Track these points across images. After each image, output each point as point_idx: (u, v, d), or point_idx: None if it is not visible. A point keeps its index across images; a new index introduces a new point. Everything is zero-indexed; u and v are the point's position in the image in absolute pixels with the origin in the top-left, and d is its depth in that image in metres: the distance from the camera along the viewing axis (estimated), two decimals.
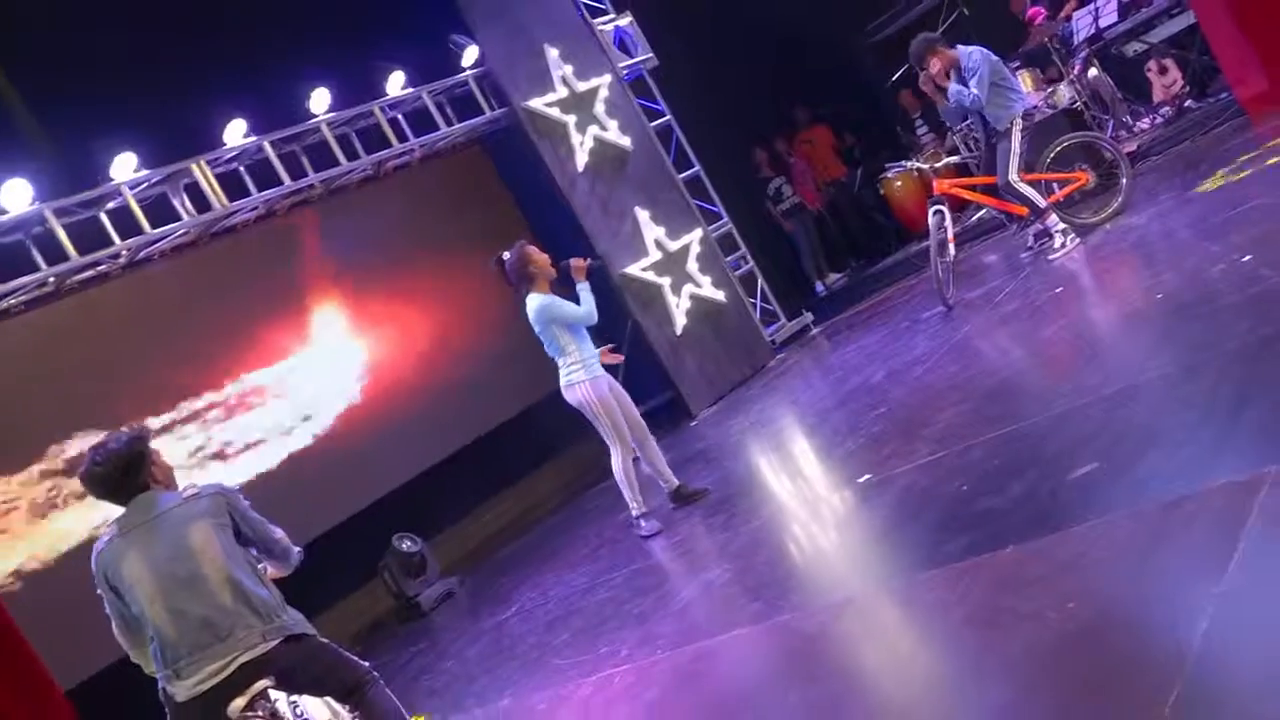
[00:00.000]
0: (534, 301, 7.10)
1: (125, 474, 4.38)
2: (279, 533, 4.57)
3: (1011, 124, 8.46)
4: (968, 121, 9.00)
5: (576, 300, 7.13)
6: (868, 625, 4.21)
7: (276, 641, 4.05)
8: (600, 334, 7.53)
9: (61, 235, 8.52)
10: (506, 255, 7.28)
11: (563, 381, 7.19)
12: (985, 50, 8.63)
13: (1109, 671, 2.88)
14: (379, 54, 10.94)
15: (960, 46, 8.71)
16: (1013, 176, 8.47)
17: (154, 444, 4.66)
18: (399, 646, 8.43)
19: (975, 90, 8.38)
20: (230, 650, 3.96)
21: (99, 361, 8.96)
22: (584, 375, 7.09)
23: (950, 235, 8.78)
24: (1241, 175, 7.32)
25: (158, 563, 4.09)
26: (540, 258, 7.20)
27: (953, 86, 8.50)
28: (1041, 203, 8.49)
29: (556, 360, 7.22)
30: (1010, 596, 3.55)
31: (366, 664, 4.42)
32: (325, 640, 4.36)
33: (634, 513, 7.26)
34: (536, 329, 7.19)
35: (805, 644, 4.28)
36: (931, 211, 8.72)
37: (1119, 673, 2.85)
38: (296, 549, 4.64)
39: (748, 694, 4.11)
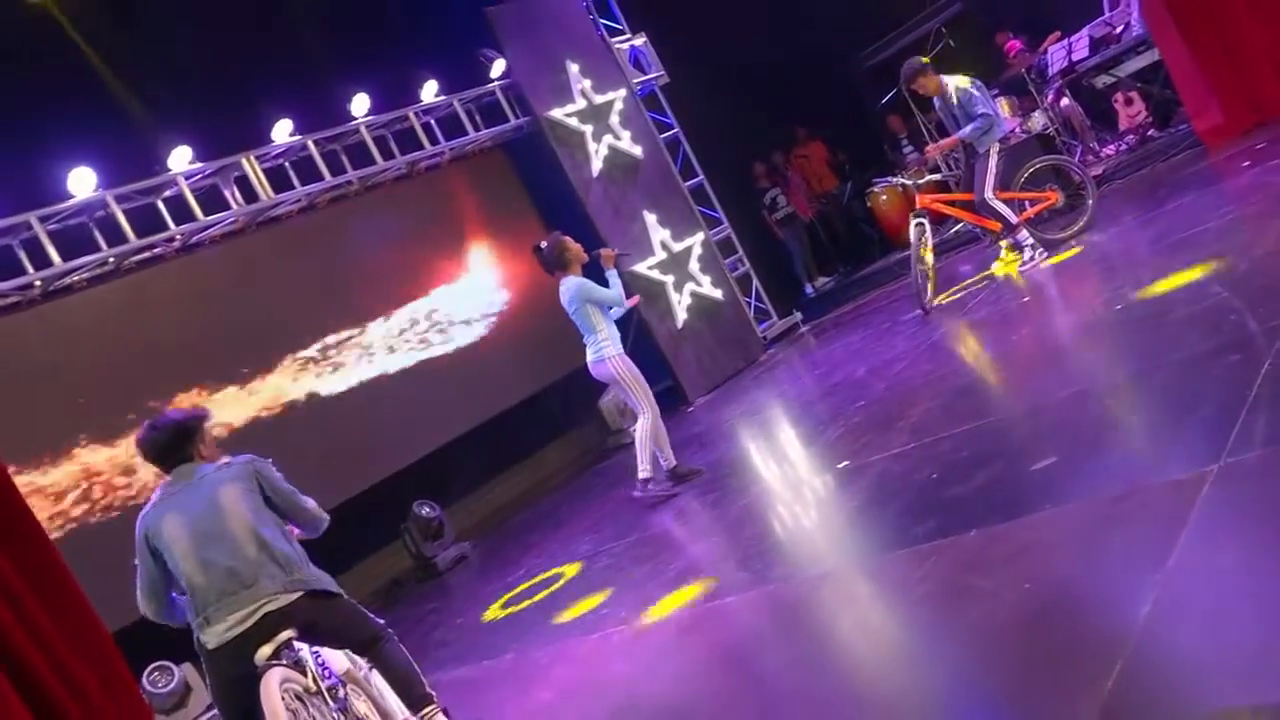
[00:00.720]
0: (570, 283, 7.16)
1: (176, 443, 4.48)
2: (309, 502, 4.64)
3: (991, 147, 8.49)
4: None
5: (605, 285, 7.20)
6: (843, 597, 4.23)
7: (298, 594, 4.11)
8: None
9: (121, 219, 8.57)
10: (544, 244, 7.36)
11: (594, 357, 7.20)
12: (973, 80, 8.66)
13: (1058, 647, 2.89)
14: (415, 64, 10.95)
15: (946, 76, 8.73)
16: (988, 194, 8.49)
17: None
18: (416, 602, 8.47)
19: (986, 111, 8.47)
20: (255, 599, 4.03)
21: (150, 335, 8.97)
22: (614, 350, 7.14)
23: (930, 246, 8.81)
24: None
25: (192, 520, 4.19)
26: (575, 246, 7.28)
27: (968, 128, 8.50)
28: (1013, 219, 8.50)
29: (586, 338, 7.23)
30: (971, 576, 3.57)
31: (382, 621, 4.46)
32: (346, 597, 4.39)
33: (642, 476, 7.17)
34: (571, 308, 7.21)
35: (786, 611, 4.30)
36: (914, 224, 8.72)
37: (1067, 648, 2.86)
38: (325, 517, 4.69)
39: (735, 654, 4.13)
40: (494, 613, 6.81)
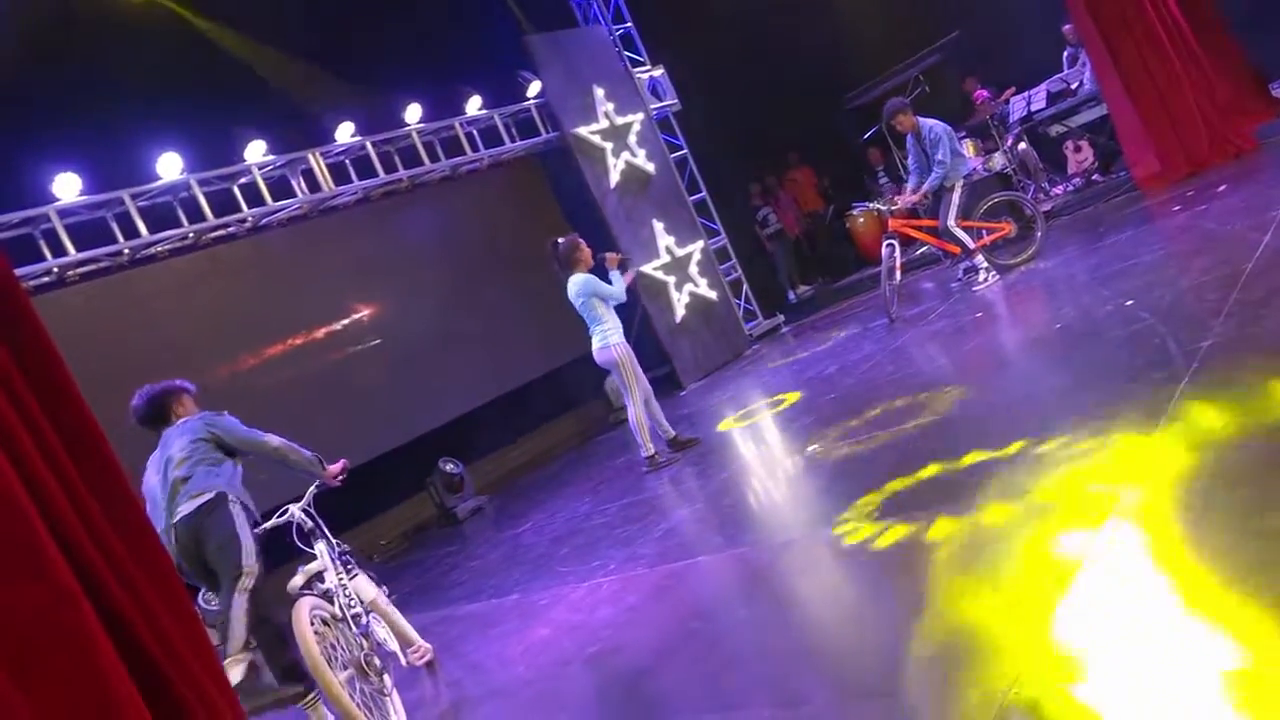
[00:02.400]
0: (578, 279, 7.18)
1: (153, 412, 4.88)
2: (273, 440, 4.79)
3: (956, 183, 8.45)
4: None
5: (610, 282, 7.22)
6: (805, 562, 4.20)
7: (201, 503, 4.41)
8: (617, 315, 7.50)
9: (201, 200, 8.54)
10: (560, 241, 7.38)
11: (598, 344, 7.20)
12: (944, 124, 8.61)
13: (998, 615, 2.86)
14: (462, 81, 10.90)
15: (921, 118, 8.68)
16: (950, 223, 8.47)
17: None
18: (437, 546, 8.45)
19: (944, 158, 8.40)
20: (170, 516, 4.43)
21: (220, 301, 8.96)
22: (618, 338, 7.17)
23: (898, 264, 8.78)
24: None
25: (161, 467, 4.60)
26: (586, 251, 7.35)
27: (929, 180, 8.45)
28: (971, 244, 8.47)
29: (592, 328, 7.23)
30: (922, 551, 3.53)
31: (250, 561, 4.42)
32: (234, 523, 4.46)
33: (644, 453, 7.25)
34: (578, 301, 7.21)
35: (755, 572, 4.27)
36: (885, 244, 8.70)
37: (1005, 616, 2.83)
38: (307, 452, 4.84)
39: (707, 606, 4.10)
40: (503, 557, 6.79)
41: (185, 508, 4.42)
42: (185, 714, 2.40)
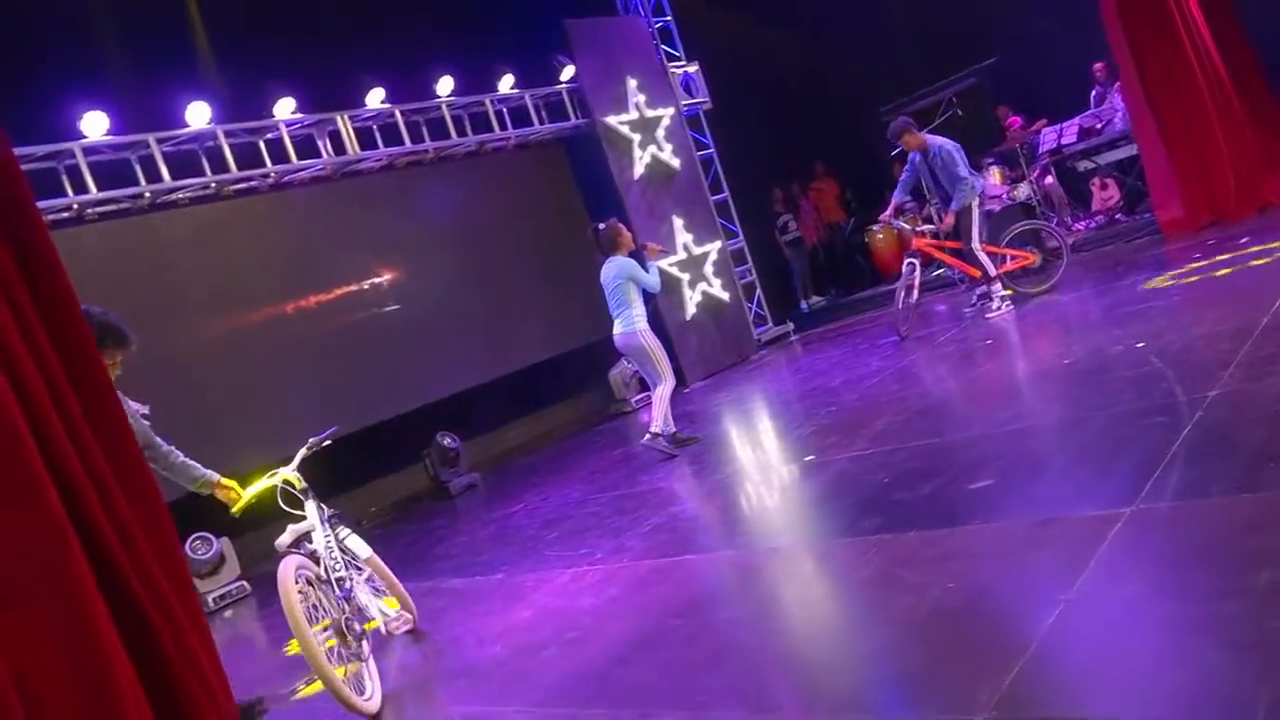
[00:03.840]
0: (618, 261, 7.22)
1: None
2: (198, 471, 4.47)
3: (972, 202, 8.40)
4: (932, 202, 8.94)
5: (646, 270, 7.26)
6: (790, 571, 4.21)
7: None
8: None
9: (227, 152, 8.57)
10: (603, 225, 7.40)
11: (624, 329, 7.19)
12: (953, 142, 8.58)
13: (968, 642, 2.87)
14: (497, 58, 10.90)
15: (929, 136, 8.64)
16: (975, 244, 8.42)
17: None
18: (427, 518, 8.46)
19: (966, 174, 8.36)
20: None
21: (236, 253, 8.97)
22: (644, 324, 7.20)
23: (918, 283, 8.75)
24: (1165, 283, 7.24)
25: None
26: (627, 235, 7.37)
27: (956, 199, 8.41)
28: (993, 270, 8.43)
29: (619, 311, 7.21)
30: (905, 570, 3.54)
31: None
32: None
33: (656, 430, 7.21)
34: (613, 284, 7.21)
35: (739, 576, 4.28)
36: (907, 261, 8.71)
37: (976, 644, 2.84)
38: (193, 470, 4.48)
39: (688, 604, 4.11)
40: (492, 536, 6.80)
41: None
42: (164, 656, 2.41)
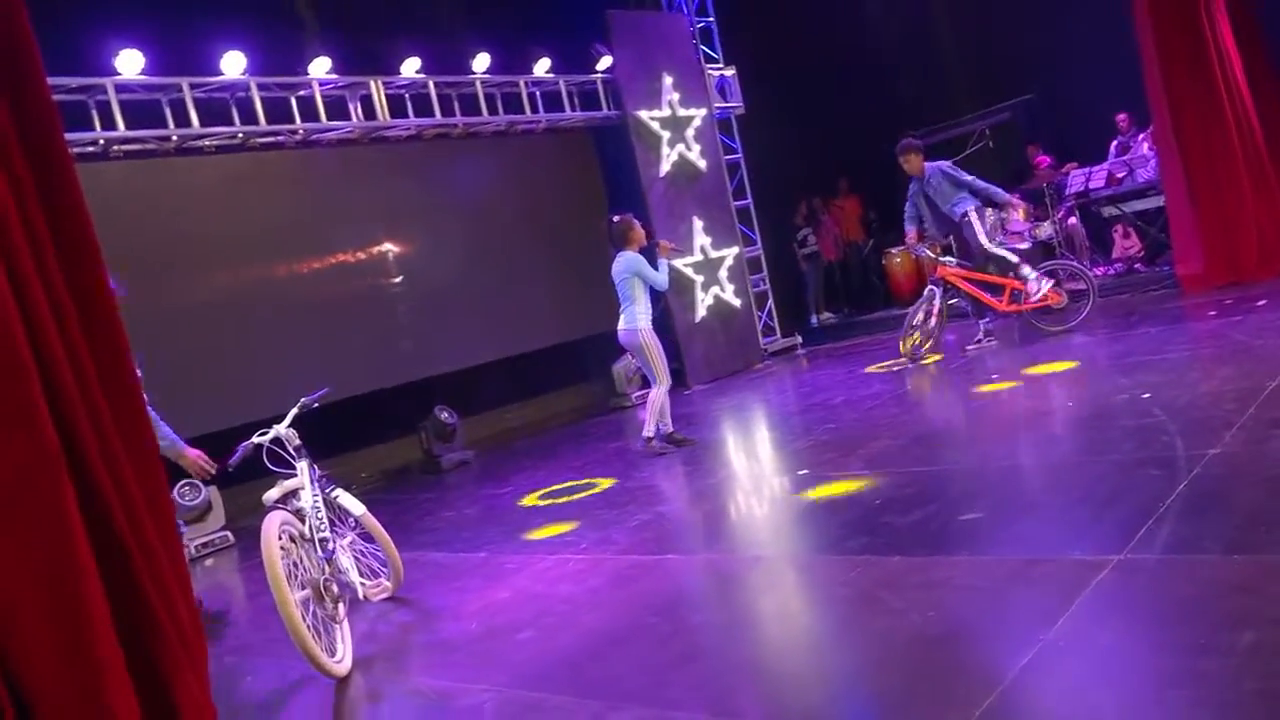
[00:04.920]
0: (627, 256, 7.22)
1: None
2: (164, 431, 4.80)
3: (969, 212, 8.49)
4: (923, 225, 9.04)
5: (656, 268, 7.27)
6: (771, 581, 4.20)
7: None
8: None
9: (258, 104, 8.57)
10: (617, 218, 7.41)
11: (626, 325, 7.23)
12: (943, 164, 8.77)
13: (942, 671, 2.86)
14: (536, 41, 10.90)
15: (926, 163, 8.74)
16: (987, 245, 8.50)
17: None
18: (416, 490, 8.46)
19: (969, 180, 8.61)
20: None
21: (256, 206, 8.98)
22: (647, 323, 7.20)
23: (936, 310, 8.75)
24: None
25: None
26: (640, 231, 7.37)
27: (966, 199, 8.56)
28: (1014, 257, 8.46)
29: (624, 306, 7.24)
30: (886, 593, 3.53)
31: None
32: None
33: (647, 434, 7.29)
34: (620, 278, 7.24)
35: (720, 580, 4.28)
36: (929, 287, 8.73)
37: (949, 675, 2.83)
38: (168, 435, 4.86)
39: (666, 604, 4.11)
40: (478, 515, 6.80)
41: None
42: (141, 595, 2.42)
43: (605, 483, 6.79)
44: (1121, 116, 11.28)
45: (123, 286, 4.76)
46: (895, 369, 8.77)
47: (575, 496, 6.55)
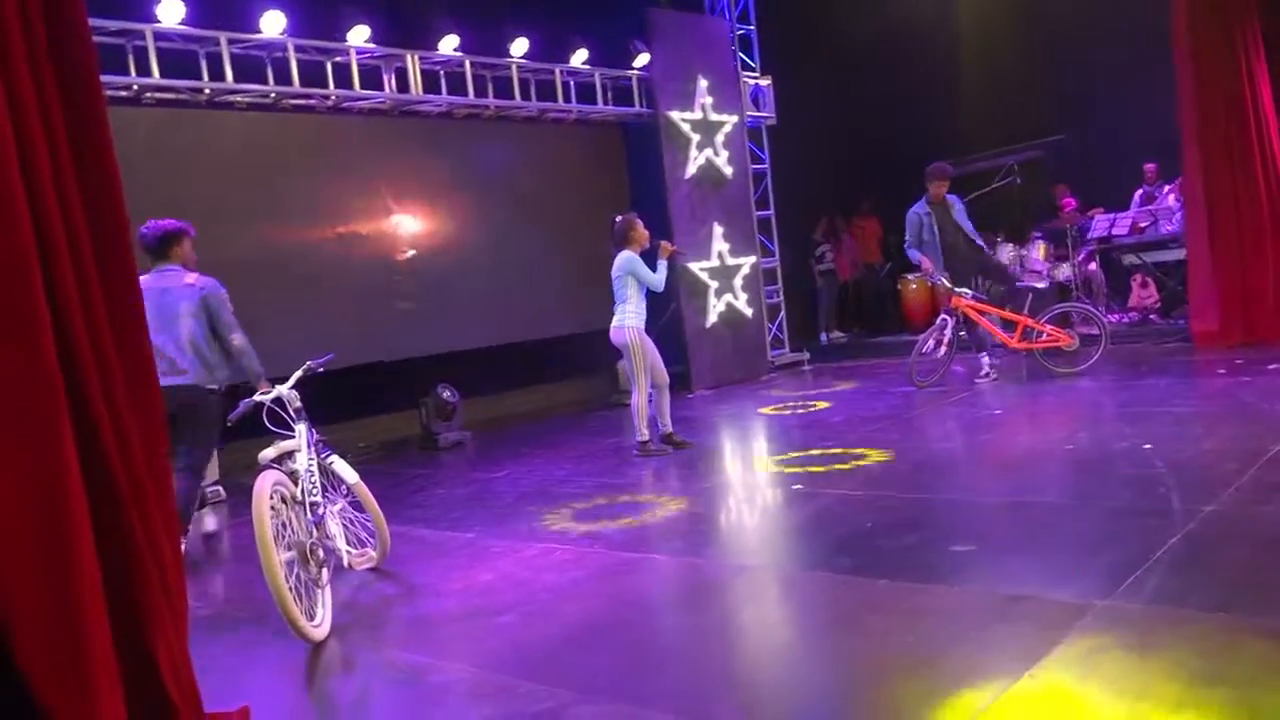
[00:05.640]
0: (625, 256, 7.24)
1: (159, 245, 5.48)
2: (237, 338, 5.41)
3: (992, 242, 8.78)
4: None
5: (654, 268, 7.26)
6: (755, 591, 4.20)
7: (189, 383, 5.30)
8: (650, 304, 7.53)
9: (293, 65, 8.59)
10: (619, 218, 7.43)
11: (617, 323, 7.25)
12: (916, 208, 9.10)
13: (915, 698, 2.86)
14: (575, 31, 10.90)
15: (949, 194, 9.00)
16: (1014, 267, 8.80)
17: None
18: (410, 465, 8.47)
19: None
20: (182, 378, 5.28)
21: (280, 167, 9.00)
22: (636, 322, 7.20)
23: (947, 340, 8.74)
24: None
25: (156, 310, 5.04)
26: (643, 232, 7.35)
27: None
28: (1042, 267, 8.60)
29: (617, 305, 7.27)
30: (869, 615, 3.53)
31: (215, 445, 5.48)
32: (209, 406, 5.30)
33: (637, 438, 7.32)
34: (615, 276, 7.26)
35: (704, 585, 4.28)
36: (943, 316, 8.73)
37: (922, 702, 2.82)
38: (248, 361, 5.39)
39: (648, 603, 4.11)
40: (470, 496, 6.81)
41: (172, 380, 5.11)
42: (130, 545, 2.42)
43: (598, 477, 6.80)
44: (1149, 166, 11.27)
45: (193, 228, 5.68)
46: (789, 411, 8.76)
47: (567, 488, 6.56)
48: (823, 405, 8.86)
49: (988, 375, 8.77)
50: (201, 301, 5.38)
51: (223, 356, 5.48)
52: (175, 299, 5.36)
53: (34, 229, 2.17)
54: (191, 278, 5.49)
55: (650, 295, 7.34)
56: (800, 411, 8.74)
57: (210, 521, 6.94)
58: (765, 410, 9.15)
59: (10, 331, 2.12)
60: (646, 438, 7.29)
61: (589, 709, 3.03)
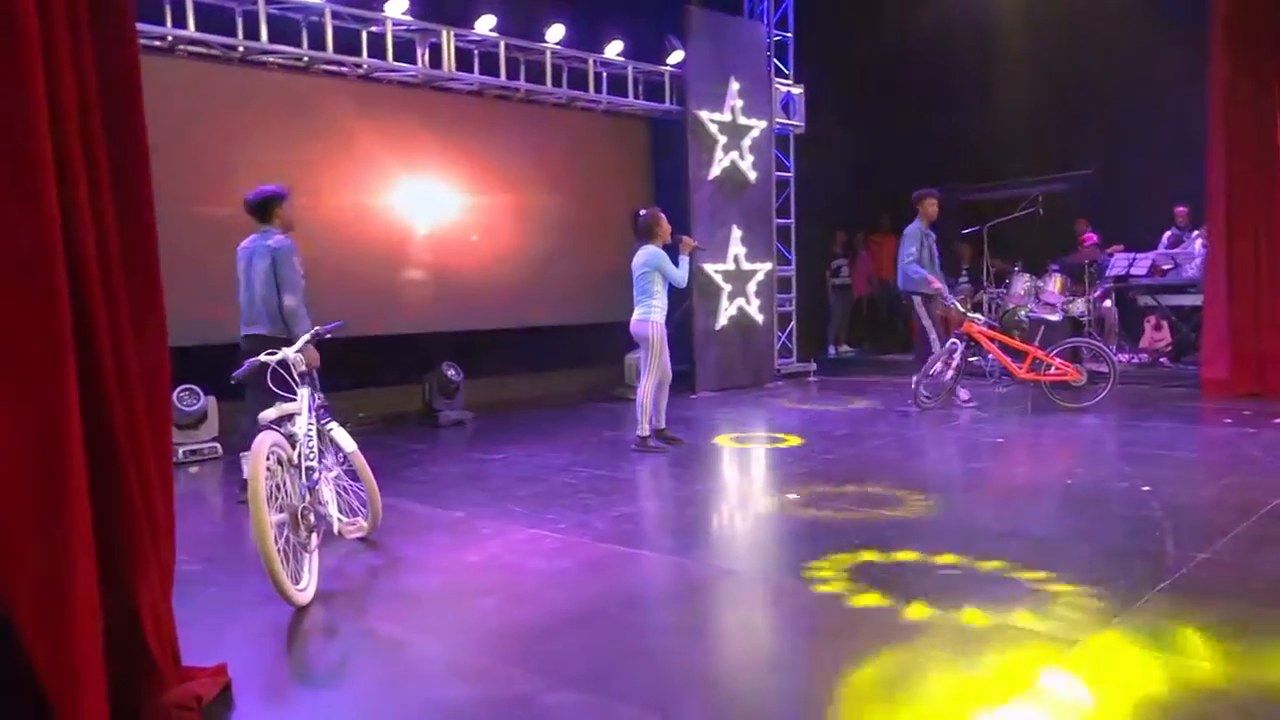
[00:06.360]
0: (648, 250, 7.28)
1: (260, 208, 6.07)
2: (288, 299, 5.88)
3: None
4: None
5: (677, 264, 7.33)
6: (739, 596, 4.20)
7: (263, 334, 5.80)
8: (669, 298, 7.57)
9: (329, 31, 8.61)
10: (644, 211, 7.48)
11: (639, 315, 7.28)
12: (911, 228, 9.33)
13: (886, 717, 2.85)
14: (612, 23, 10.89)
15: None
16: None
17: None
18: (407, 440, 8.49)
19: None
20: (254, 328, 5.91)
21: (306, 130, 9.01)
22: (659, 317, 7.28)
23: (956, 365, 8.73)
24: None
25: (246, 266, 6.02)
26: (666, 226, 7.44)
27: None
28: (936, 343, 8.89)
29: (639, 299, 7.29)
30: (850, 629, 3.52)
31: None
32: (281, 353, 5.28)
33: (638, 432, 7.37)
34: (639, 271, 7.29)
35: (688, 586, 4.27)
36: (953, 340, 8.71)
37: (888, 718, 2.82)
38: (300, 321, 5.81)
39: (631, 598, 4.11)
40: (464, 475, 6.82)
41: (247, 330, 5.96)
42: (124, 493, 2.42)
43: (595, 469, 6.80)
44: (1181, 209, 11.21)
45: (289, 191, 6.23)
46: (791, 421, 8.81)
47: (563, 477, 6.56)
48: (827, 417, 8.85)
49: (969, 402, 8.85)
50: (271, 259, 5.91)
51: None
52: (259, 258, 5.95)
53: (57, 181, 2.17)
54: (275, 239, 6.00)
55: (669, 291, 7.37)
56: (803, 422, 8.73)
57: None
58: (768, 417, 9.15)
59: (26, 276, 2.12)
60: (647, 434, 7.32)
61: (559, 697, 3.03)
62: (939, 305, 8.99)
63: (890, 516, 5.13)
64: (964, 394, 8.99)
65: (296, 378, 4.56)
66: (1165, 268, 10.75)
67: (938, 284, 8.93)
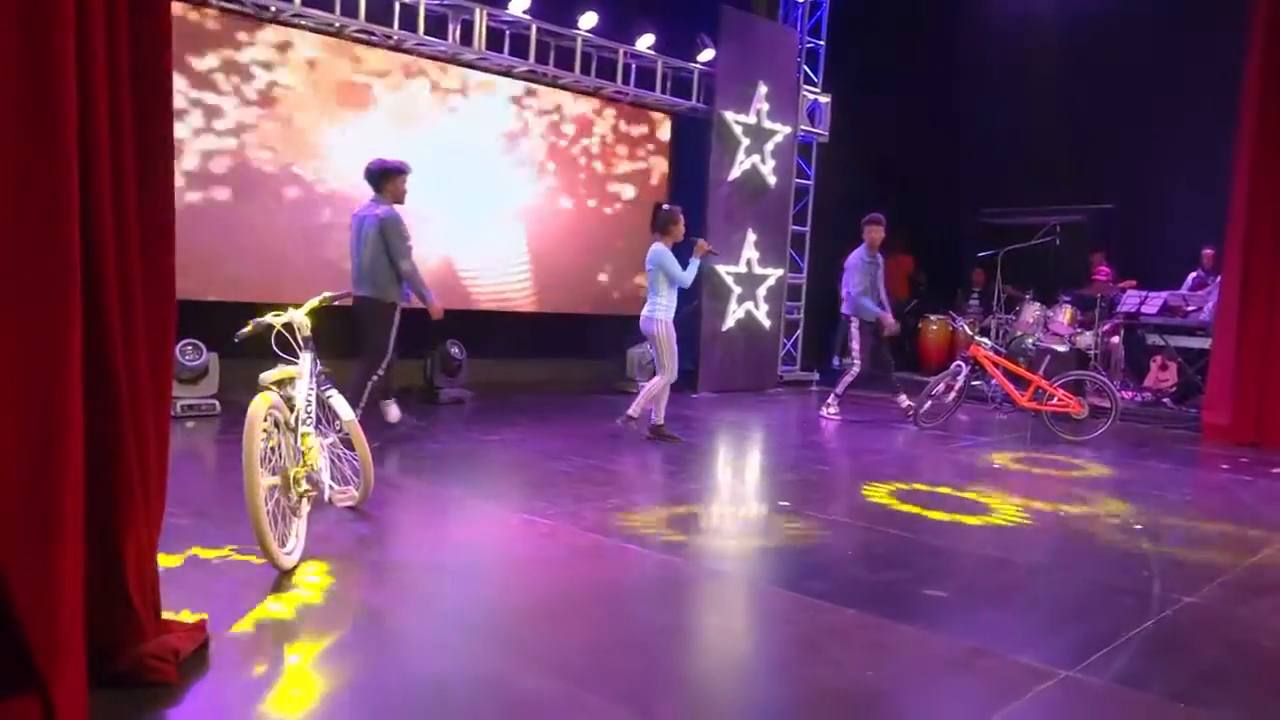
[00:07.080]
0: (659, 248, 7.43)
1: (377, 179, 6.91)
2: (404, 264, 6.86)
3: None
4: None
5: (686, 265, 7.43)
6: (727, 598, 4.19)
7: (369, 295, 6.92)
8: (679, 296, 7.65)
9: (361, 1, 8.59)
10: (665, 206, 7.63)
11: (648, 313, 7.45)
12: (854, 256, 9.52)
13: None
14: (645, 15, 10.87)
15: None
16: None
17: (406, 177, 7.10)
18: (406, 414, 8.48)
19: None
20: (360, 289, 6.92)
21: (324, 94, 8.99)
22: (666, 315, 7.41)
23: (959, 388, 8.74)
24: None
25: (357, 233, 6.92)
26: (681, 225, 7.58)
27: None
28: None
29: (649, 296, 7.45)
30: (831, 642, 3.52)
31: (386, 355, 7.06)
32: (385, 314, 6.94)
33: (630, 413, 7.56)
34: (649, 266, 7.45)
35: (673, 583, 4.27)
36: (957, 363, 8.73)
37: None
38: (414, 283, 6.99)
39: (615, 591, 4.11)
40: (461, 455, 6.82)
41: (356, 291, 6.80)
42: (118, 443, 2.41)
43: (591, 459, 6.80)
44: (1208, 251, 11.16)
45: (409, 166, 7.06)
46: (792, 427, 8.85)
47: (559, 464, 6.56)
48: (825, 428, 8.84)
49: (910, 409, 9.06)
50: (379, 228, 6.48)
51: (393, 277, 6.87)
52: (368, 225, 6.61)
53: (80, 127, 2.16)
54: (383, 208, 6.62)
55: (679, 289, 7.47)
56: (801, 430, 8.72)
57: (393, 412, 7.63)
58: (765, 423, 9.14)
59: (42, 217, 2.12)
60: (636, 416, 7.53)
61: (533, 682, 3.03)
62: (886, 331, 9.25)
63: (882, 534, 5.11)
64: (904, 400, 9.22)
65: (300, 341, 4.55)
66: (1189, 309, 10.72)
67: (889, 319, 9.33)
